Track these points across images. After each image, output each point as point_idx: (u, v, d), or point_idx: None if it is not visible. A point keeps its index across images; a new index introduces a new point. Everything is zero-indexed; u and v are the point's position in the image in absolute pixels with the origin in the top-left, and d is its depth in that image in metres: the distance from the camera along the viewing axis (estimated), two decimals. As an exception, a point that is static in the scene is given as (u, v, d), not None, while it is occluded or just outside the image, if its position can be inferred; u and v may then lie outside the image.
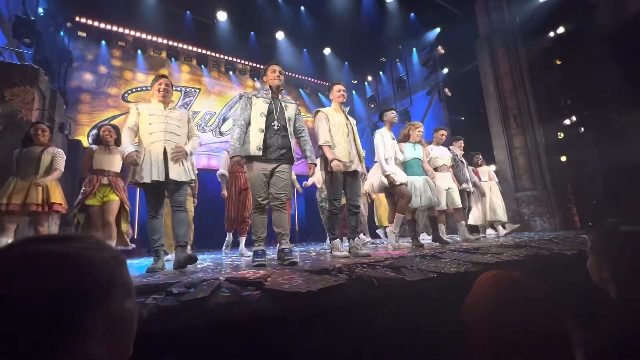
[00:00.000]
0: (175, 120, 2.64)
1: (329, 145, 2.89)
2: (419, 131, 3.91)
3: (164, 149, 2.53)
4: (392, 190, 3.47)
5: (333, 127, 2.97)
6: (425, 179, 3.71)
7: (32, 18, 4.84)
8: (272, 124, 2.61)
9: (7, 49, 5.05)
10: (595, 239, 1.16)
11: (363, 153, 3.17)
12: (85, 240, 0.51)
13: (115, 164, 3.29)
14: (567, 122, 7.05)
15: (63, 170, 3.16)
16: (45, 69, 4.11)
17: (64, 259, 0.46)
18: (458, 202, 4.15)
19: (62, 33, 6.62)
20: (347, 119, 3.13)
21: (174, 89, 3.14)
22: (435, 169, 4.15)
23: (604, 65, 6.17)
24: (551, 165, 6.43)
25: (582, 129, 7.04)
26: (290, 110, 2.75)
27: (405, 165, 3.72)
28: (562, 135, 7.00)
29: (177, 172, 2.54)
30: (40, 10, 5.69)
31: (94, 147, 3.32)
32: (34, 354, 0.40)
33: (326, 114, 3.02)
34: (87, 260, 0.48)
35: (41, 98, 3.57)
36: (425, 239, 4.60)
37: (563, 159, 6.82)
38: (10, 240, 2.82)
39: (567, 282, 1.94)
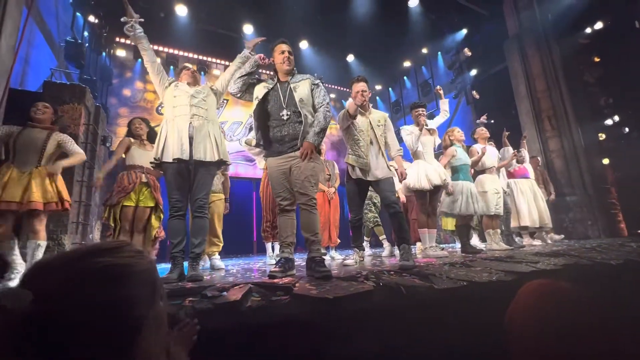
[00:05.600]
0: (200, 94, 2.39)
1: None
2: (458, 132, 3.88)
3: (190, 124, 2.26)
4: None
5: (356, 130, 2.79)
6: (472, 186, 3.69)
7: (80, 41, 5.30)
8: (281, 114, 2.21)
9: (57, 70, 5.60)
10: None
11: (399, 151, 2.93)
12: (126, 250, 0.56)
13: (149, 159, 2.97)
14: (609, 122, 6.61)
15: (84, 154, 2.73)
16: (91, 87, 4.49)
17: (120, 270, 0.52)
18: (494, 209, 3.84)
19: (104, 54, 7.19)
20: (371, 123, 2.84)
21: None
22: (483, 171, 4.05)
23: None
24: (591, 168, 6.02)
25: (627, 129, 6.56)
26: (301, 89, 2.26)
27: (458, 170, 3.72)
28: (604, 136, 6.56)
29: (203, 151, 2.22)
30: (86, 33, 6.23)
31: (131, 138, 3.11)
32: (109, 353, 0.47)
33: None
34: (137, 269, 0.54)
35: (87, 114, 3.89)
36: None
37: (605, 161, 6.38)
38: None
39: (612, 295, 1.81)
